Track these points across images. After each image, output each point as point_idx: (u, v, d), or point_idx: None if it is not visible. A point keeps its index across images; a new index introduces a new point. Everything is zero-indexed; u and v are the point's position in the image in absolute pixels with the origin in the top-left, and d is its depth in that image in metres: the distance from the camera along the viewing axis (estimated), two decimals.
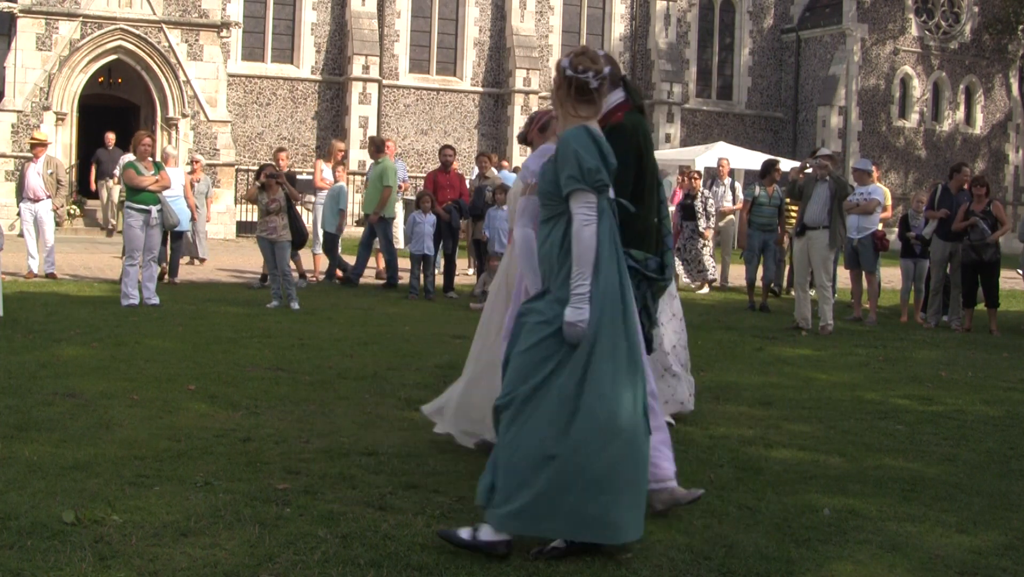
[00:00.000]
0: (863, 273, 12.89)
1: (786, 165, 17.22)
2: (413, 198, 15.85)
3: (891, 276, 19.78)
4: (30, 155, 14.71)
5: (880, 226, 13.20)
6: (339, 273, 14.66)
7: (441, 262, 14.38)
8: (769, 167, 13.93)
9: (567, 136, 4.16)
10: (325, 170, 15.51)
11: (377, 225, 14.17)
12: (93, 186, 21.75)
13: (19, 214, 14.90)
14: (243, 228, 22.86)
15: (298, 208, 13.04)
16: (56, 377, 7.01)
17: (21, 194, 14.28)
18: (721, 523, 4.39)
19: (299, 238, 12.30)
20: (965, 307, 12.56)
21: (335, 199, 14.70)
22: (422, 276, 13.52)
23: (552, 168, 4.15)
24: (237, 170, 23.82)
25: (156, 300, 11.29)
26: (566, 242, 4.05)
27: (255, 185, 12.38)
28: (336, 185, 14.94)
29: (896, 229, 16.84)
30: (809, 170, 12.37)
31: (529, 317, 4.11)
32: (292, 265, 12.87)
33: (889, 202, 14.58)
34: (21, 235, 15.19)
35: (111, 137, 22.06)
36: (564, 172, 4.06)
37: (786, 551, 4.10)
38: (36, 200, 14.12)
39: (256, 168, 14.72)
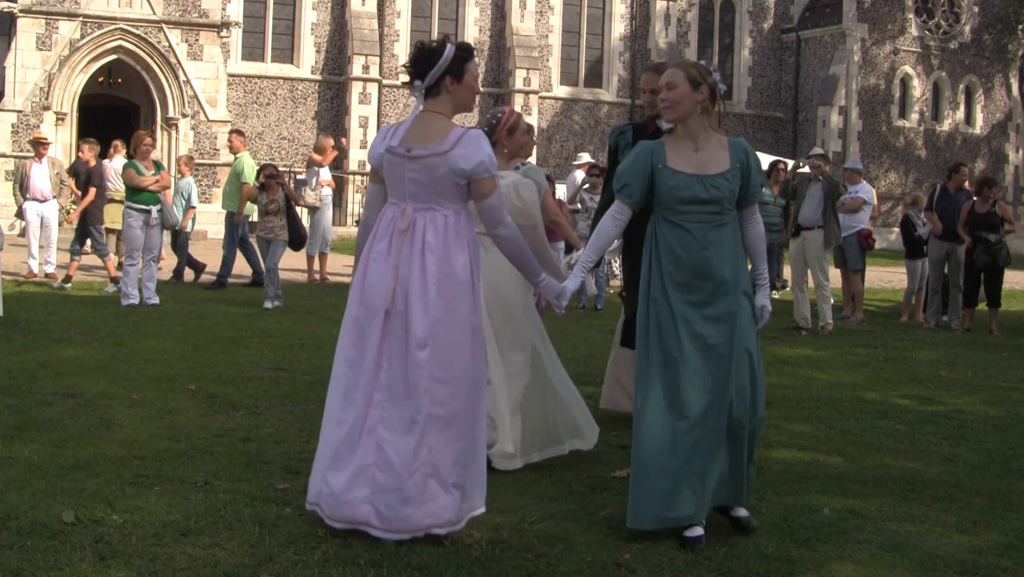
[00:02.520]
0: (848, 272, 12.94)
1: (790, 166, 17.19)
2: None
3: (891, 276, 19.80)
4: (30, 155, 14.69)
5: (869, 225, 13.25)
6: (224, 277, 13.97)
7: None
8: (772, 167, 13.96)
9: (748, 147, 4.41)
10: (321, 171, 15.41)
11: (226, 221, 13.78)
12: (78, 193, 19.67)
13: (17, 214, 14.88)
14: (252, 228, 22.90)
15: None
16: (56, 377, 7.01)
17: (25, 194, 14.26)
18: (721, 523, 4.39)
19: (297, 239, 12.24)
20: (966, 307, 12.55)
21: (183, 195, 14.18)
22: None
23: (735, 176, 4.32)
24: None
25: (156, 300, 11.29)
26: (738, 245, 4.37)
27: (254, 185, 12.40)
28: (185, 180, 14.44)
29: (896, 229, 16.80)
30: (803, 169, 12.41)
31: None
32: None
33: (875, 201, 14.63)
34: (22, 235, 15.19)
35: (85, 149, 19.60)
36: (756, 181, 4.39)
37: (786, 551, 4.10)
38: (43, 200, 14.13)
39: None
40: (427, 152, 4.03)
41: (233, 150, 14.30)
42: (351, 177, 27.71)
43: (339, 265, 16.72)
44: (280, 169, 14.54)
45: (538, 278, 4.29)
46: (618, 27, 32.03)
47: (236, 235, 13.82)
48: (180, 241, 14.11)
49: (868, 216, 13.43)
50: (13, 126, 22.53)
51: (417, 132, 4.11)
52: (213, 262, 17.19)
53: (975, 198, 12.51)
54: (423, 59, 4.12)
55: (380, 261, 4.07)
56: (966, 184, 13.02)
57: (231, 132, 14.88)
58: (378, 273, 4.06)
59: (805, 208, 11.59)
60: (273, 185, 11.84)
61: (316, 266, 15.21)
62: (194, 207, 14.28)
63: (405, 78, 4.18)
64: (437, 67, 4.09)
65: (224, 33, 24.53)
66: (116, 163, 14.42)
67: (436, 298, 4.00)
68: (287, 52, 28.90)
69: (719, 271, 4.23)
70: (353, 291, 4.18)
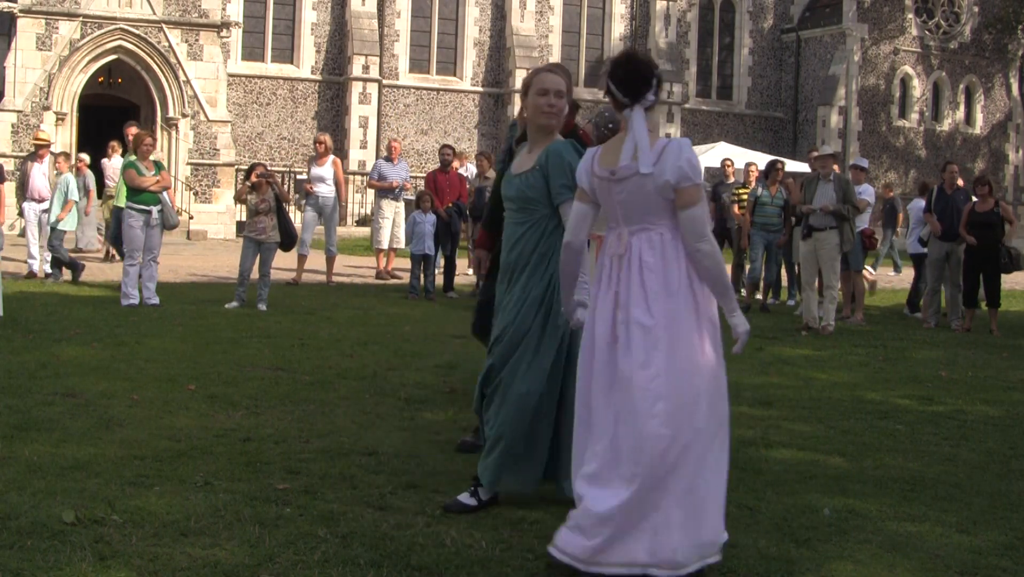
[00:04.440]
0: (850, 272, 12.92)
1: (788, 165, 17.16)
2: (413, 198, 15.81)
3: (891, 276, 19.79)
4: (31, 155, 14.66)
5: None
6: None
7: (441, 262, 14.35)
8: (771, 167, 13.95)
9: (560, 148, 4.46)
10: (314, 169, 15.02)
11: (114, 216, 13.19)
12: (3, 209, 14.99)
13: (20, 213, 14.87)
14: (243, 228, 22.89)
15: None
16: (56, 377, 7.01)
17: (24, 194, 14.25)
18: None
19: (288, 239, 12.13)
20: (966, 307, 12.54)
21: (62, 191, 13.73)
22: (422, 276, 13.52)
23: (537, 177, 4.48)
24: (237, 170, 23.83)
25: (156, 300, 11.29)
26: (540, 246, 4.48)
27: (245, 185, 12.29)
28: (64, 176, 13.95)
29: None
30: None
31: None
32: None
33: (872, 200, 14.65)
34: (21, 235, 15.18)
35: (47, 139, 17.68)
36: (556, 182, 4.41)
37: (786, 551, 4.10)
38: (41, 200, 14.11)
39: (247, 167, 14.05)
40: (629, 172, 3.82)
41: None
42: (351, 177, 27.69)
43: (340, 265, 16.70)
44: (275, 169, 14.45)
45: (733, 308, 3.84)
46: (618, 27, 32.03)
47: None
48: (54, 239, 13.52)
49: (868, 216, 13.45)
50: (13, 126, 22.51)
51: (612, 152, 3.92)
52: (212, 263, 17.23)
53: (975, 199, 12.50)
54: (647, 75, 3.88)
55: (602, 292, 3.90)
56: (960, 182, 12.98)
57: (129, 125, 13.88)
58: (601, 303, 3.90)
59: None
60: (263, 184, 11.73)
61: (307, 265, 14.91)
62: (74, 200, 13.69)
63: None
64: (655, 80, 3.90)
65: (224, 33, 24.52)
66: (115, 163, 14.39)
67: (659, 318, 3.76)
68: (287, 52, 28.90)
69: (519, 265, 4.52)
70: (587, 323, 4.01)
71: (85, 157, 17.21)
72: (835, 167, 11.95)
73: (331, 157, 15.03)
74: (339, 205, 15.20)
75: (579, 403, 3.95)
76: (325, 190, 14.84)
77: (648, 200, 3.81)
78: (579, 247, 4.07)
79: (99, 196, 17.95)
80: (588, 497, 3.73)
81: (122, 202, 12.76)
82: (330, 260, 14.95)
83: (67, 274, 13.62)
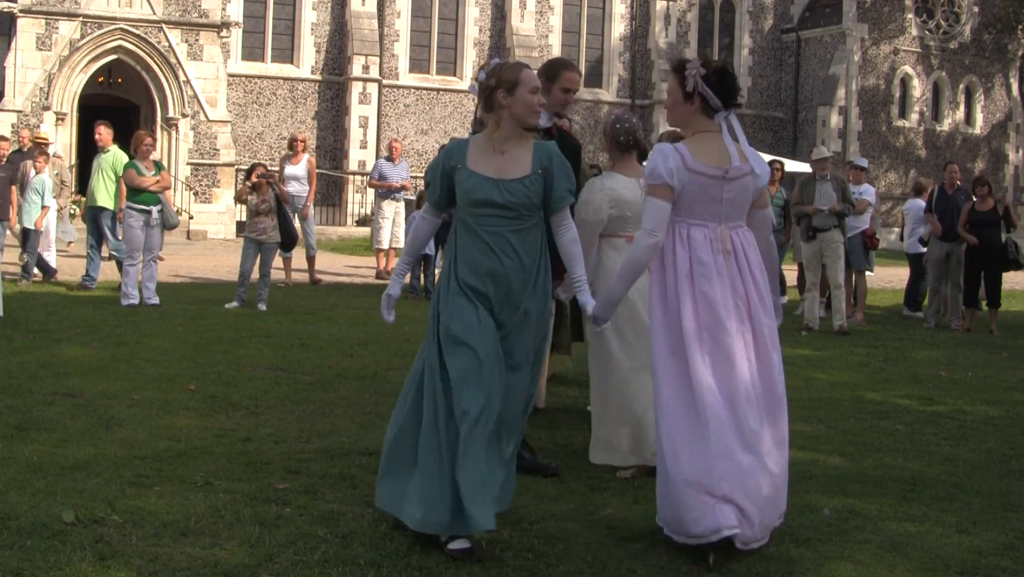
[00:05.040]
0: (852, 272, 12.92)
1: (788, 166, 17.15)
2: (413, 198, 15.79)
3: (891, 276, 19.79)
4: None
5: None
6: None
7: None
8: (771, 168, 13.95)
9: (557, 150, 4.31)
10: (288, 167, 14.73)
11: (92, 217, 12.90)
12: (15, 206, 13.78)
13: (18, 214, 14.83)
14: (243, 228, 22.85)
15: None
16: (56, 377, 7.01)
17: (23, 193, 14.21)
18: None
19: (288, 240, 12.09)
20: (966, 306, 12.55)
21: (38, 193, 13.45)
22: (422, 276, 13.51)
23: (538, 182, 4.19)
24: (237, 170, 23.82)
25: (156, 300, 11.29)
26: (543, 253, 4.29)
27: (246, 185, 12.29)
28: (39, 177, 13.62)
29: (896, 229, 16.78)
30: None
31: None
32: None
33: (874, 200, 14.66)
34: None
35: (24, 135, 16.81)
36: (562, 187, 4.23)
37: (786, 551, 4.10)
38: None
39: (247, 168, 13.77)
40: (741, 172, 4.21)
41: (102, 144, 12.94)
42: (351, 177, 27.71)
43: (340, 265, 16.70)
44: (275, 169, 14.37)
45: (778, 292, 4.46)
46: (618, 27, 32.02)
47: (116, 230, 12.82)
48: (30, 241, 13.22)
49: (869, 216, 13.45)
50: (13, 126, 22.48)
51: (712, 152, 4.23)
52: (211, 263, 17.23)
53: (975, 199, 12.51)
54: (736, 87, 4.36)
55: (713, 284, 4.08)
56: (958, 182, 12.99)
57: (99, 123, 13.30)
58: (719, 296, 4.08)
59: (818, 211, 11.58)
60: (264, 185, 11.72)
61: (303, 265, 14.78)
62: (47, 207, 13.46)
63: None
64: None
65: (224, 33, 24.52)
66: None
67: (769, 311, 4.20)
68: (287, 52, 28.89)
69: (513, 278, 4.15)
70: (686, 322, 4.06)
71: (62, 154, 17.12)
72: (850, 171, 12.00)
73: (306, 155, 14.82)
74: (309, 204, 14.81)
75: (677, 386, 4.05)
76: (300, 189, 14.58)
77: (747, 199, 4.24)
78: (659, 246, 4.16)
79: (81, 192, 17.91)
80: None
81: (106, 203, 12.76)
82: (310, 260, 14.81)
83: (39, 275, 13.52)
